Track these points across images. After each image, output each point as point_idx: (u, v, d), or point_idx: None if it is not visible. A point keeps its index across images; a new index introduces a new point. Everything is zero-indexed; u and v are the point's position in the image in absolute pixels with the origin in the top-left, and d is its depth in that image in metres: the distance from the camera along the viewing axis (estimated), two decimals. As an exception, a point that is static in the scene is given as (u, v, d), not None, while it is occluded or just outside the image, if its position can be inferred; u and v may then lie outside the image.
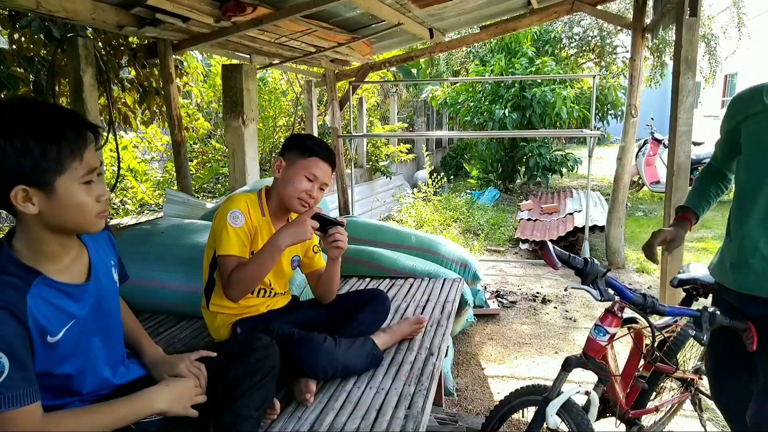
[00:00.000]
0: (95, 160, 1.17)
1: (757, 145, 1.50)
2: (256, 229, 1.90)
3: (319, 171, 1.89)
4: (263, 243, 1.86)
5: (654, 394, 2.21)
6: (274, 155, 8.54)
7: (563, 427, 1.74)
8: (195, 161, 7.50)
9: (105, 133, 3.34)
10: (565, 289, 1.91)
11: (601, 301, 1.50)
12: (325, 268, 2.05)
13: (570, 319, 4.11)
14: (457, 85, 10.34)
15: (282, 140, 8.39)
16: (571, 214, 6.62)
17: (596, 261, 1.55)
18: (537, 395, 1.79)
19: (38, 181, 1.08)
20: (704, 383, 2.44)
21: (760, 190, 1.47)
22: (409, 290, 2.95)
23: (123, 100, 4.25)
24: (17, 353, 1.06)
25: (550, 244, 1.60)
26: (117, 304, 1.42)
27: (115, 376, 1.37)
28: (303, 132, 6.92)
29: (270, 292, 2.01)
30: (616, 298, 1.54)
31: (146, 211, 6.22)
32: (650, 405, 2.18)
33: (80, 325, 1.24)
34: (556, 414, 1.70)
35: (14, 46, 3.59)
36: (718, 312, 1.46)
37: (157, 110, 4.39)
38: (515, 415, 1.96)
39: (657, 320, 2.11)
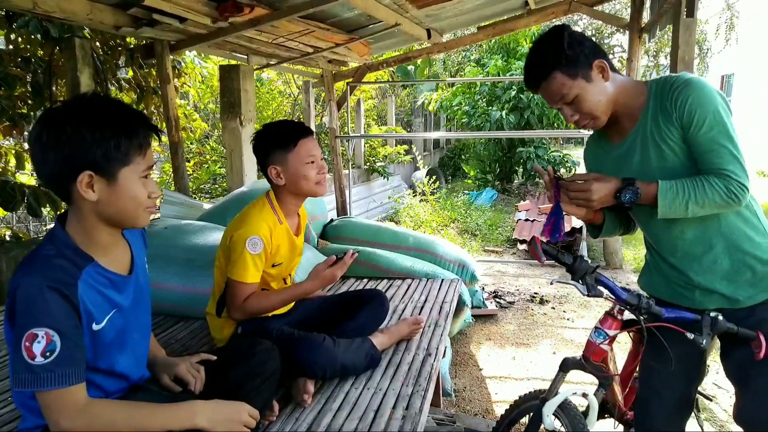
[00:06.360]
0: (152, 158, 1.25)
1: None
2: (278, 244, 1.89)
3: (312, 148, 1.87)
4: (285, 249, 1.92)
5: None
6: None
7: (561, 428, 1.73)
8: (192, 162, 7.49)
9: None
10: (551, 283, 1.90)
11: (588, 296, 1.50)
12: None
13: (568, 319, 4.11)
14: (454, 87, 10.33)
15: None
16: (568, 214, 6.60)
17: (586, 258, 1.54)
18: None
19: (105, 169, 1.15)
20: (702, 384, 2.44)
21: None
22: (407, 291, 2.95)
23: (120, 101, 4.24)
24: (68, 333, 1.10)
25: (537, 238, 1.60)
26: (150, 302, 1.44)
27: (137, 375, 1.38)
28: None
29: None
30: (605, 293, 1.52)
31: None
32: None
33: (122, 316, 1.27)
34: (553, 415, 1.70)
35: (11, 46, 3.58)
36: (721, 317, 1.43)
37: (154, 111, 4.39)
38: (524, 419, 1.95)
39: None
